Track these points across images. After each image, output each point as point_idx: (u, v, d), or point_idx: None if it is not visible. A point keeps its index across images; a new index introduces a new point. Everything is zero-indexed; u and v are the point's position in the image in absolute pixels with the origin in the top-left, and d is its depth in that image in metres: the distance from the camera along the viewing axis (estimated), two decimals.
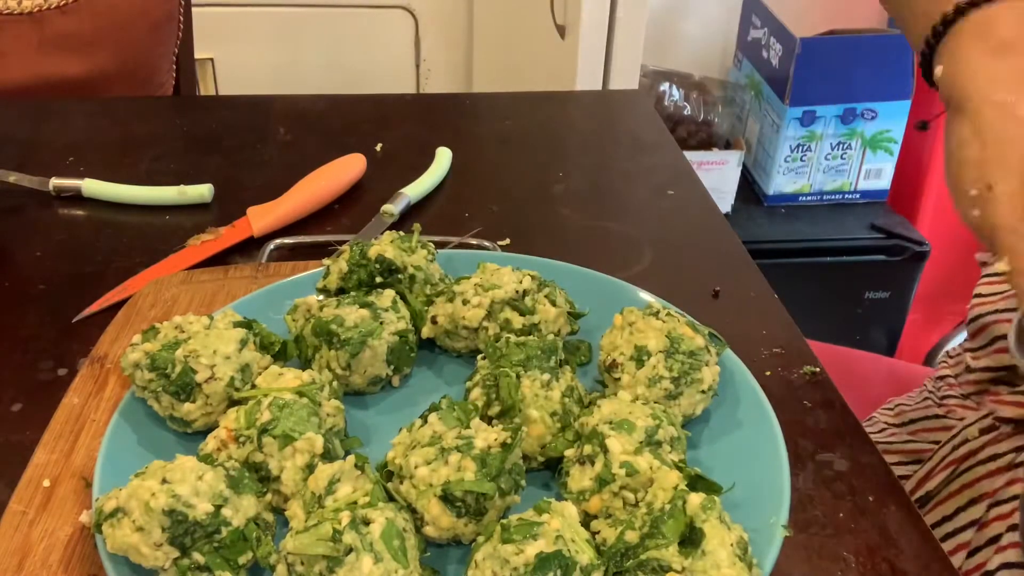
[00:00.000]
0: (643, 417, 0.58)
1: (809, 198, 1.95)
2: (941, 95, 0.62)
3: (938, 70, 0.62)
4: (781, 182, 1.92)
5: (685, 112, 1.94)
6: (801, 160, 1.89)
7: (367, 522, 0.51)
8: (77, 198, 0.93)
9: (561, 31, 1.66)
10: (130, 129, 1.08)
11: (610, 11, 1.60)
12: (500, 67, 2.09)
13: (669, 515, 0.52)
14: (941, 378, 0.91)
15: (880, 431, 0.93)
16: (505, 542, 0.50)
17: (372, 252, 0.71)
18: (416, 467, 0.55)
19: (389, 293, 0.70)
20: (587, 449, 0.58)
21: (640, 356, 0.63)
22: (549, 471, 0.62)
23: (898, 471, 0.71)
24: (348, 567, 0.49)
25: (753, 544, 0.53)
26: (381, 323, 0.66)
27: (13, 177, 0.93)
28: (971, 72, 0.59)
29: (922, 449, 0.86)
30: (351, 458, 0.56)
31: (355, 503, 0.53)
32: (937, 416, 0.88)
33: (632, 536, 0.52)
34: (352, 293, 0.70)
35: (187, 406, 0.62)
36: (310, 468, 0.57)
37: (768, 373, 0.73)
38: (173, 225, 0.90)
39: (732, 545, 0.51)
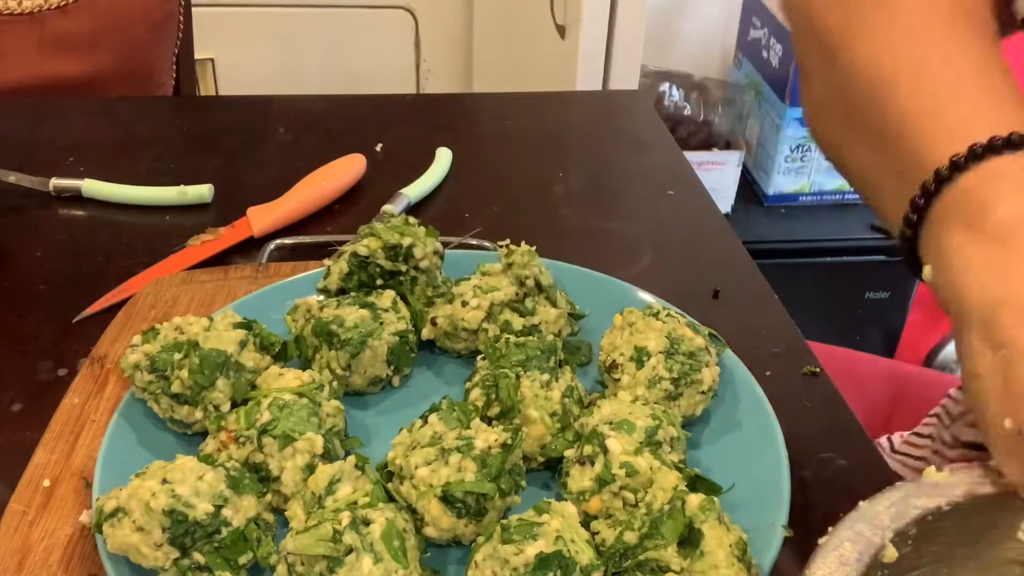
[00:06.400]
0: (643, 417, 0.58)
1: (809, 198, 1.95)
2: (937, 298, 0.49)
3: (927, 271, 0.49)
4: (781, 182, 1.92)
5: (685, 112, 1.94)
6: (801, 160, 1.89)
7: (367, 522, 0.51)
8: (77, 198, 0.93)
9: (561, 31, 1.66)
10: (130, 129, 1.08)
11: (610, 11, 1.60)
12: (500, 67, 2.09)
13: (668, 516, 0.52)
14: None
15: None
16: (505, 542, 0.50)
17: (385, 236, 0.69)
18: (416, 467, 0.55)
19: (389, 293, 0.70)
20: (587, 449, 0.58)
21: (640, 357, 0.63)
22: (549, 471, 0.62)
23: None
24: (348, 567, 0.49)
25: (753, 544, 0.53)
26: (381, 323, 0.66)
27: (13, 177, 0.93)
28: (968, 283, 0.46)
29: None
30: (351, 458, 0.56)
31: (355, 503, 0.53)
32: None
33: (631, 536, 0.52)
34: (352, 293, 0.70)
35: (187, 408, 0.62)
36: (310, 468, 0.57)
37: (768, 373, 0.73)
38: (173, 225, 0.90)
39: (731, 546, 0.51)
